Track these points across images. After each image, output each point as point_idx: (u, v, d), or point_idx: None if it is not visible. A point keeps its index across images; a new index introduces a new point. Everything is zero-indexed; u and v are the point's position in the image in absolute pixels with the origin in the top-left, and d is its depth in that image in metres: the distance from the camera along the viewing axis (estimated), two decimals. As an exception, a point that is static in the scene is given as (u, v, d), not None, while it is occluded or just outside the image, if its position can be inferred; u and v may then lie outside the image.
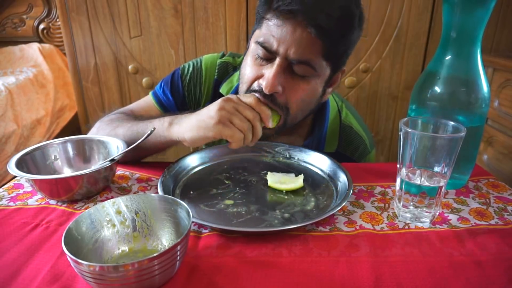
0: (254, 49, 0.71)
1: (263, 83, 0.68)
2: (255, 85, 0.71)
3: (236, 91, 0.82)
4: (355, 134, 0.85)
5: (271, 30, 0.66)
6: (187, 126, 0.63)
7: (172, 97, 0.86)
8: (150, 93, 0.89)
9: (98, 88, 1.74)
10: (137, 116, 0.80)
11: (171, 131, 0.66)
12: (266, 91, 0.67)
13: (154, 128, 0.66)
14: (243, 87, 0.74)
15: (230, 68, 0.88)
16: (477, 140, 0.65)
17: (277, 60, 0.67)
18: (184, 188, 0.67)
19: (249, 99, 0.63)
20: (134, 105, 0.88)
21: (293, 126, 0.77)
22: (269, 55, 0.69)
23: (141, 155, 0.77)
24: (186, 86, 0.87)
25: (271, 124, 0.65)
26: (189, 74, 0.87)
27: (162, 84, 0.88)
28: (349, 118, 0.86)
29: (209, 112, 0.61)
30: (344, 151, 0.84)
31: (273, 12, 0.66)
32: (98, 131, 0.77)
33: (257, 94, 0.69)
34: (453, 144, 0.51)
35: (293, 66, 0.68)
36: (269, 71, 0.68)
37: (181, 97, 0.87)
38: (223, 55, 0.89)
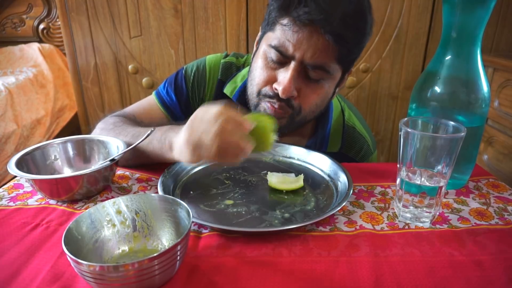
0: (266, 52, 0.71)
1: (278, 88, 0.68)
2: (267, 89, 0.71)
3: (240, 91, 0.82)
4: (358, 135, 0.85)
5: (286, 34, 0.66)
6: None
7: (176, 97, 0.86)
8: (153, 93, 0.89)
9: (98, 88, 1.74)
10: (139, 123, 0.79)
11: (173, 155, 0.61)
12: (282, 96, 0.68)
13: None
14: (253, 89, 0.74)
15: (233, 68, 0.87)
16: (477, 140, 0.65)
17: (293, 64, 0.67)
18: (184, 188, 0.67)
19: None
20: (136, 107, 0.87)
21: (298, 127, 0.77)
22: (283, 59, 0.68)
23: (144, 163, 0.73)
24: (190, 86, 0.87)
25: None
26: (192, 74, 0.87)
27: (166, 85, 0.88)
28: (352, 119, 0.86)
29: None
30: (347, 152, 0.84)
31: (290, 18, 0.65)
32: (101, 133, 0.75)
33: (269, 100, 0.70)
34: (453, 144, 0.51)
35: (308, 71, 0.68)
36: (284, 75, 0.68)
37: (184, 97, 0.87)
38: (227, 55, 0.89)
